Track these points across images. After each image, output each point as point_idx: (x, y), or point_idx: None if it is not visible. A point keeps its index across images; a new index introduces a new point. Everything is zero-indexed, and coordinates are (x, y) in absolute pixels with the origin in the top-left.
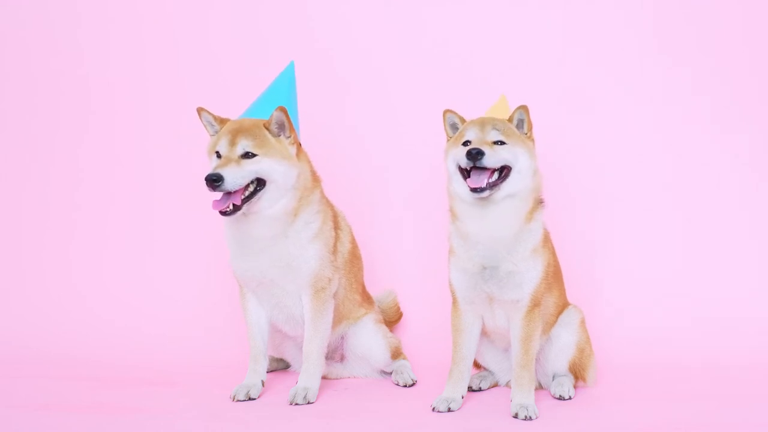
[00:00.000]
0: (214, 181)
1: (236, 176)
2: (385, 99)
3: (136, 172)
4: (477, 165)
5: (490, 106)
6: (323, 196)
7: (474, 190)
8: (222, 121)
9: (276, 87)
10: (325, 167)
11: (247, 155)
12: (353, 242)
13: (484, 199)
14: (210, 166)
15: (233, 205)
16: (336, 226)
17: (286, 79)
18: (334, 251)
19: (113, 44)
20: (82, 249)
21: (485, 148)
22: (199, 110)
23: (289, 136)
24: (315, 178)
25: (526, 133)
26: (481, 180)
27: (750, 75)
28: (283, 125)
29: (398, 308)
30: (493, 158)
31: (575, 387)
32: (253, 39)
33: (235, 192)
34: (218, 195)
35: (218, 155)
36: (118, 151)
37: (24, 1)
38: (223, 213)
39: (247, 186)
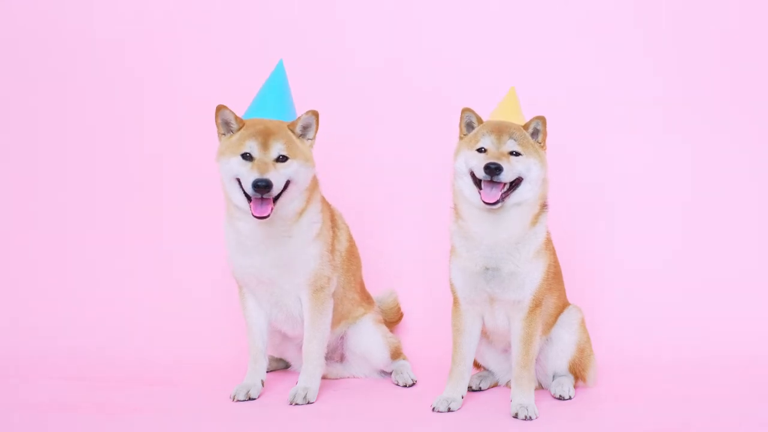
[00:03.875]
0: (265, 187)
1: (279, 180)
2: (386, 99)
3: (136, 172)
4: (494, 180)
5: (501, 99)
6: (322, 195)
7: (487, 203)
8: (241, 122)
9: (272, 88)
10: (326, 167)
11: (279, 158)
12: (351, 241)
13: (494, 210)
14: (228, 165)
15: (270, 209)
16: (334, 225)
17: (279, 78)
18: (332, 250)
19: (112, 45)
20: (82, 249)
21: (503, 163)
22: (220, 108)
23: (311, 139)
24: (316, 178)
25: (539, 142)
26: (494, 194)
27: (757, 78)
28: (309, 128)
29: (399, 308)
30: (510, 173)
31: (575, 387)
32: (254, 42)
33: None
34: (238, 195)
35: (245, 157)
36: (118, 152)
37: (26, 3)
38: (264, 217)
39: None
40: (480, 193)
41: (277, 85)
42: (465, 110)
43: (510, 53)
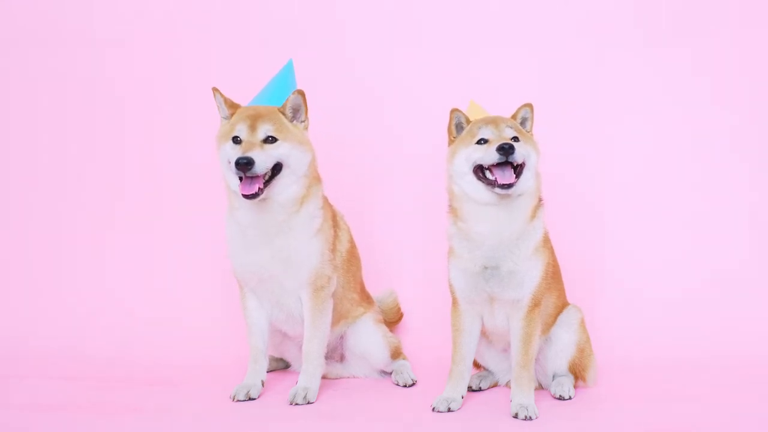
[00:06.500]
0: (245, 164)
1: (263, 160)
2: (387, 99)
3: (136, 172)
4: (509, 160)
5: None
6: (324, 194)
7: (504, 186)
8: (232, 106)
9: (277, 83)
10: (327, 167)
11: (268, 140)
12: (351, 242)
13: (508, 196)
14: (224, 151)
15: (258, 188)
16: (335, 225)
17: (286, 76)
18: (333, 249)
19: (112, 45)
20: (82, 249)
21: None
22: (214, 90)
23: (304, 121)
24: (318, 174)
25: (528, 131)
26: (510, 175)
27: (758, 77)
28: (299, 109)
29: (399, 308)
30: (519, 154)
31: (575, 387)
32: (254, 42)
33: (258, 176)
34: (234, 179)
35: (235, 140)
36: (122, 150)
37: (26, 3)
38: (251, 196)
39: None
40: (493, 180)
41: (283, 80)
42: (454, 111)
43: (510, 53)
